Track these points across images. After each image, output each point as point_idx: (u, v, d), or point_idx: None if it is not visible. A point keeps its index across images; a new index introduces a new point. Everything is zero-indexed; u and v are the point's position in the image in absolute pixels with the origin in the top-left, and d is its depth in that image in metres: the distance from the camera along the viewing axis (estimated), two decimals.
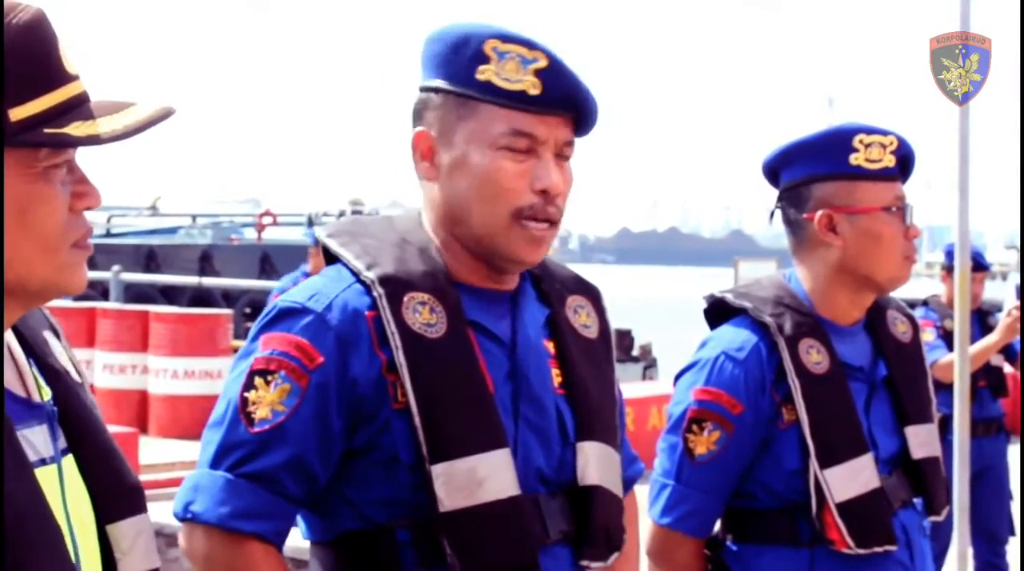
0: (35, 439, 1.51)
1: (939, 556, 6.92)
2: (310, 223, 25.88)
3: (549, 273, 2.29)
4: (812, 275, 2.90)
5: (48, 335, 1.64)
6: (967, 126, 4.39)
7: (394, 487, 2.07)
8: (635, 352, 19.38)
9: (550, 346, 2.23)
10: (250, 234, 24.83)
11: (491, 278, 2.19)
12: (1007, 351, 7.06)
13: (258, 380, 2.08)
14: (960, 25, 4.18)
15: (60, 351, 1.64)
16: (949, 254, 6.82)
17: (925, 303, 7.24)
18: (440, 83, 2.15)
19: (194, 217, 26.47)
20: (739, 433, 2.78)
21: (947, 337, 6.87)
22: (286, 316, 2.10)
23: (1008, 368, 7.30)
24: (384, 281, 2.09)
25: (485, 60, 2.12)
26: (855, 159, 2.84)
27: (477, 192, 2.11)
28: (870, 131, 2.86)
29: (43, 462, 1.51)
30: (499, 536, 2.06)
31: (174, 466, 9.32)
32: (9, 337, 1.56)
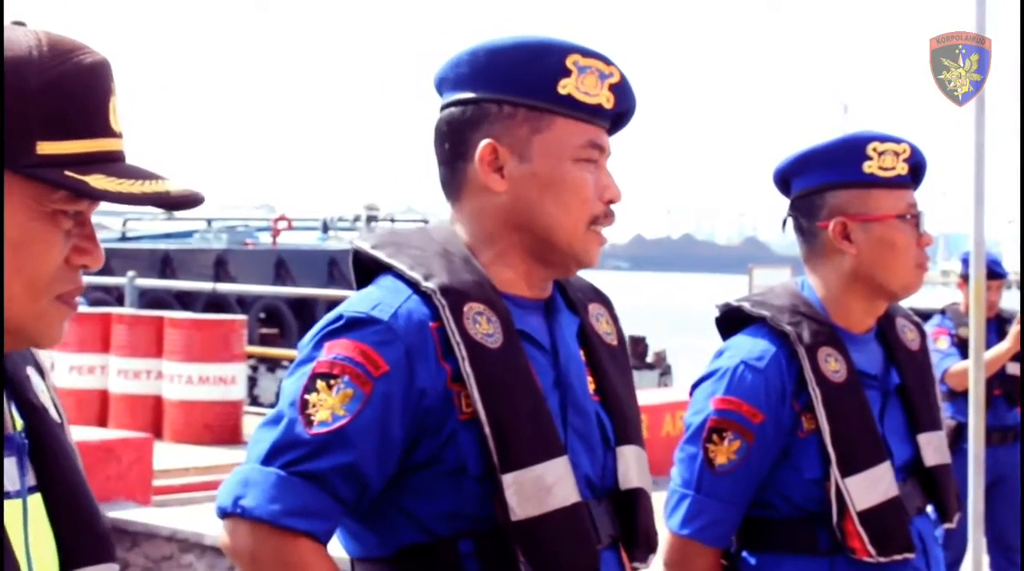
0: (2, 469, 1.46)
1: (953, 565, 6.91)
2: (325, 228, 25.94)
3: (569, 282, 2.32)
4: (825, 284, 2.90)
5: (31, 371, 1.59)
6: (983, 134, 4.38)
7: (459, 499, 2.08)
8: (649, 359, 19.36)
9: (581, 354, 2.26)
10: (265, 239, 24.87)
11: (534, 287, 2.22)
12: None
13: (320, 383, 2.06)
14: (975, 26, 4.17)
15: (42, 389, 1.59)
16: (966, 262, 6.81)
17: (943, 312, 7.25)
18: (509, 96, 2.16)
19: (209, 221, 26.52)
20: (759, 443, 2.78)
21: (961, 345, 6.86)
22: (354, 325, 2.09)
23: None
24: (445, 291, 2.10)
25: (567, 74, 2.16)
26: (868, 167, 2.84)
27: (559, 202, 2.15)
28: (883, 139, 2.86)
29: (7, 495, 1.45)
30: (568, 542, 2.09)
31: (188, 471, 9.34)
32: None
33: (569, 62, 2.16)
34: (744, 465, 2.78)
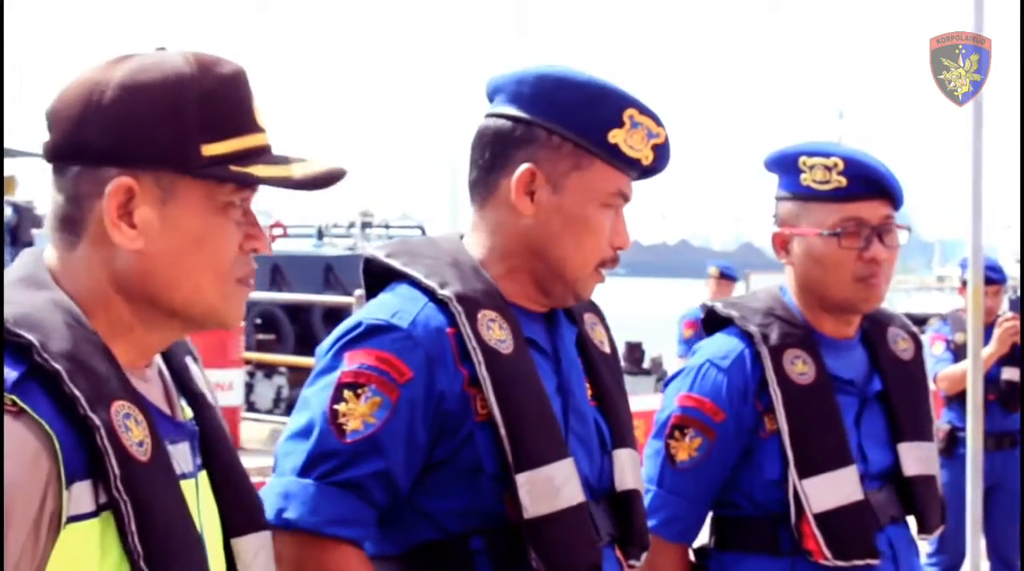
0: (179, 455, 1.63)
1: (951, 570, 6.92)
2: (320, 235, 25.89)
3: None
4: (791, 290, 2.93)
5: (188, 360, 1.77)
6: (980, 140, 4.38)
7: (474, 496, 2.17)
8: (646, 365, 19.34)
9: (580, 362, 2.35)
10: None
11: (539, 302, 2.31)
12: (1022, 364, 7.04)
13: (347, 393, 2.15)
14: (973, 26, 4.17)
15: (199, 375, 1.77)
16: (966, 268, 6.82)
17: (944, 318, 7.29)
18: (561, 129, 2.24)
19: None
20: (721, 440, 2.81)
21: (957, 351, 6.90)
22: (373, 333, 2.18)
23: None
24: (461, 299, 2.19)
25: (619, 125, 2.25)
26: (805, 180, 2.84)
27: (576, 239, 2.25)
28: (811, 153, 2.85)
29: (184, 476, 1.63)
30: (575, 539, 2.18)
31: None
32: (158, 360, 1.70)
33: (625, 115, 2.25)
34: (705, 462, 2.81)
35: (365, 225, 25.00)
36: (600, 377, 2.36)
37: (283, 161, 1.64)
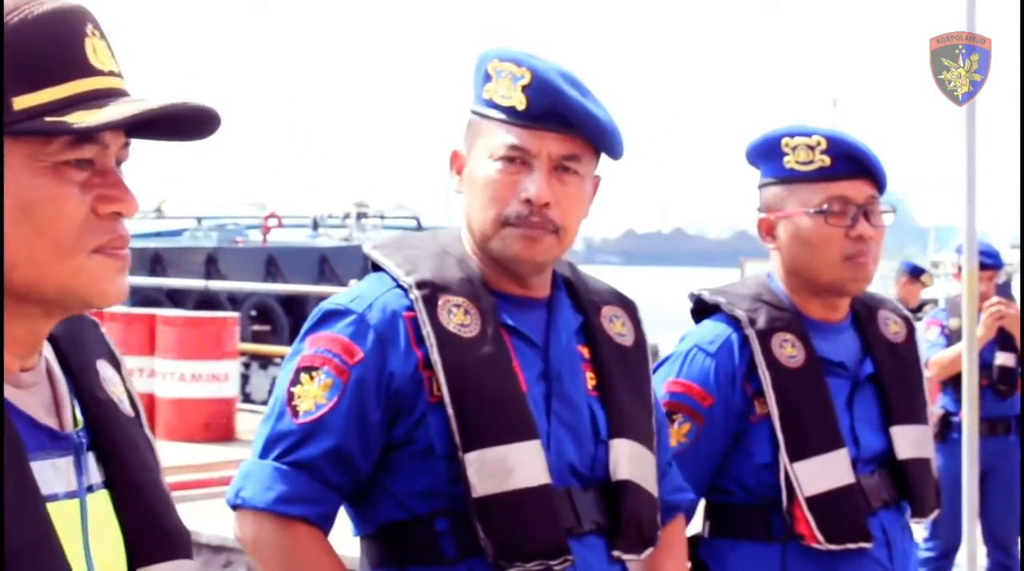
0: (55, 471, 1.41)
1: (947, 555, 6.94)
2: (315, 226, 25.89)
3: (585, 284, 2.44)
4: (777, 276, 2.93)
5: (102, 364, 1.56)
6: (974, 127, 4.38)
7: (431, 477, 2.21)
8: None
9: (584, 351, 2.37)
10: (255, 236, 24.78)
11: (520, 284, 2.33)
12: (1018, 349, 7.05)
13: (303, 376, 2.24)
14: (966, 25, 4.18)
15: (115, 381, 1.56)
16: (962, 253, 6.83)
17: (942, 303, 7.30)
18: (471, 106, 2.34)
19: (199, 219, 26.45)
20: (709, 426, 2.81)
21: (951, 336, 6.91)
22: (330, 317, 2.28)
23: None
24: (421, 285, 2.26)
25: (489, 79, 2.30)
26: (788, 162, 2.84)
27: (477, 200, 2.29)
28: (793, 134, 2.86)
29: (57, 497, 1.40)
30: (529, 521, 2.19)
31: (181, 469, 9.32)
32: (51, 359, 1.49)
33: (490, 68, 2.31)
34: (694, 448, 2.80)
35: (360, 216, 25.00)
36: (605, 368, 2.36)
37: (118, 102, 1.38)
